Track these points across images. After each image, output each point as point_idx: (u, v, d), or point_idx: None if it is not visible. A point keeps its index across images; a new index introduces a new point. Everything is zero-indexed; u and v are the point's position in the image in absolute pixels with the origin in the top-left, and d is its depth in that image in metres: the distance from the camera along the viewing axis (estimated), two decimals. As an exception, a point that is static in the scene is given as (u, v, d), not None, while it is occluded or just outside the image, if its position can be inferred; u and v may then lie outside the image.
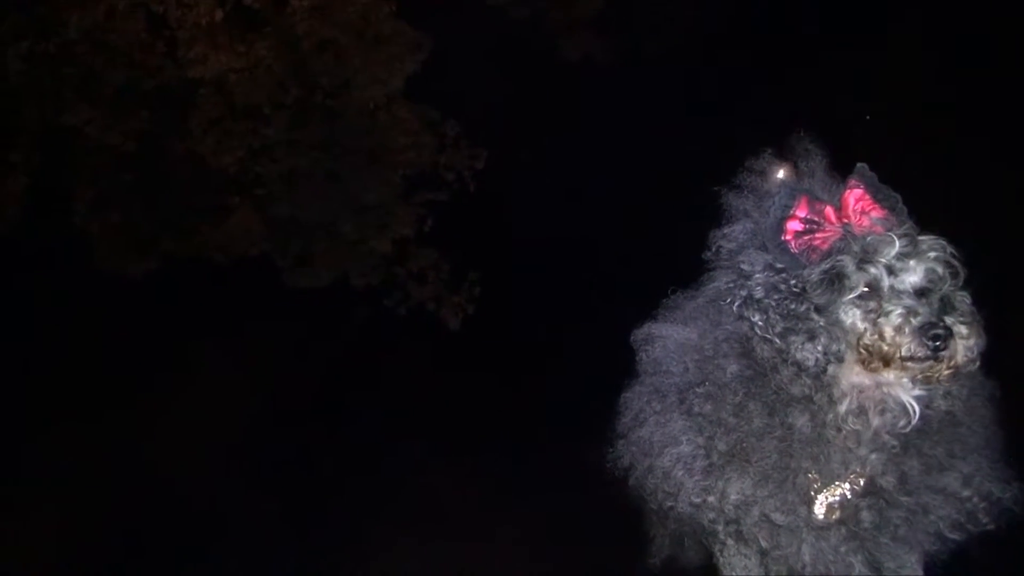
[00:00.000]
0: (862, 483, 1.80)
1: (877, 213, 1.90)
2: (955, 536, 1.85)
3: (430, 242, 8.40)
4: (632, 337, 2.14)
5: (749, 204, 2.06)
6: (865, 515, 1.79)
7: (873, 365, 1.74)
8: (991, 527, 1.85)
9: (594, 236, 8.62)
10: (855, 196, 1.91)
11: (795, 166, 2.05)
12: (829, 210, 1.89)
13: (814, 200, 1.90)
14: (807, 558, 1.81)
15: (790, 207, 1.89)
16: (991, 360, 1.89)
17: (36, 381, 7.24)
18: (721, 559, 1.96)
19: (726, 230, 2.08)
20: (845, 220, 1.88)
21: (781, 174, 2.07)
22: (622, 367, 2.19)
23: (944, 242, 1.84)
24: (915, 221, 1.94)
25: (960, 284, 1.84)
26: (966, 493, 1.83)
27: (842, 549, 1.81)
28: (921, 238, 1.81)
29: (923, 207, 1.95)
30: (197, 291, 8.32)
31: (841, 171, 2.02)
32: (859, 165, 1.97)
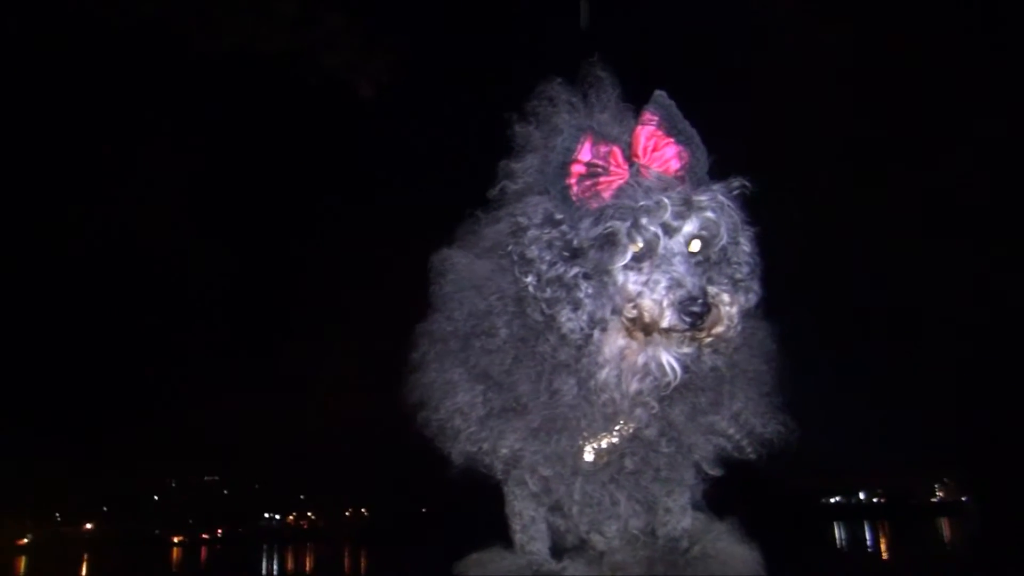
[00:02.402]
0: (630, 429, 1.87)
1: (670, 149, 1.78)
2: (717, 471, 1.97)
3: (339, 2, 7.69)
4: (430, 262, 2.08)
5: (537, 137, 1.91)
6: (628, 461, 1.88)
7: (636, 333, 1.73)
8: (753, 457, 1.96)
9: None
10: (647, 133, 1.78)
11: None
12: (616, 151, 1.77)
13: (600, 141, 1.76)
14: (577, 497, 1.93)
15: (573, 151, 1.76)
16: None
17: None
18: (504, 489, 2.08)
19: (514, 165, 1.95)
20: (635, 158, 1.77)
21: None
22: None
23: (723, 196, 1.75)
24: (711, 154, 1.83)
25: (739, 234, 1.79)
26: (732, 431, 1.93)
27: (609, 487, 1.92)
28: (698, 197, 1.72)
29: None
30: (91, 60, 7.74)
31: (638, 100, 1.85)
32: (656, 93, 1.81)
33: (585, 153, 1.75)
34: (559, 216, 1.76)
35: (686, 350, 1.76)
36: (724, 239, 1.75)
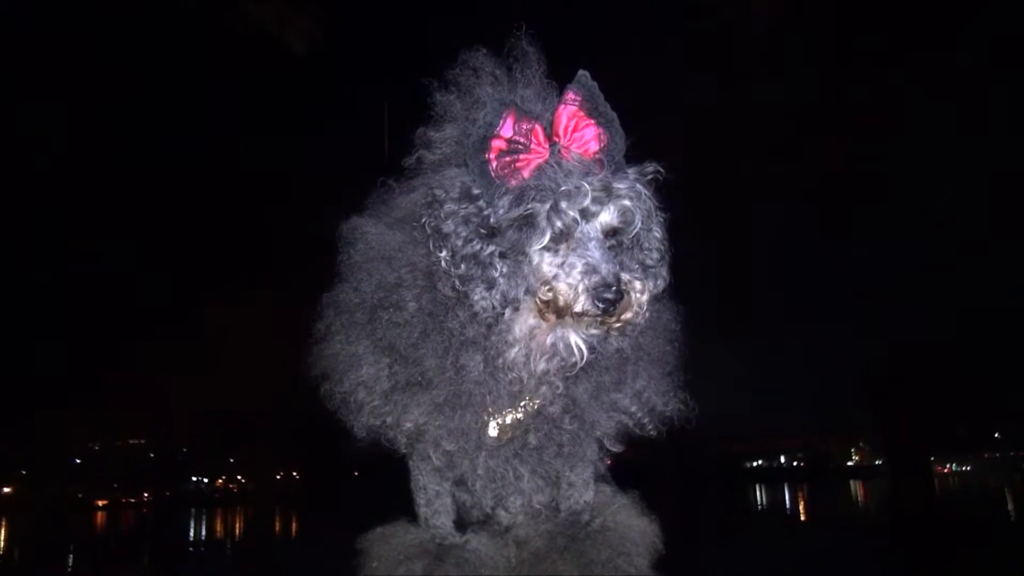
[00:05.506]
0: (535, 405, 1.88)
1: (590, 131, 1.78)
2: (618, 448, 2.01)
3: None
4: (338, 231, 2.04)
5: (458, 108, 1.89)
6: (532, 437, 1.90)
7: (548, 315, 1.74)
8: (654, 434, 2.00)
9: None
10: (568, 114, 1.78)
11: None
12: (537, 129, 1.76)
13: (522, 117, 1.76)
14: (480, 472, 1.94)
15: (494, 125, 1.75)
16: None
17: None
18: (409, 463, 2.08)
19: (432, 134, 1.92)
20: (555, 138, 1.76)
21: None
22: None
23: (640, 184, 1.77)
24: (631, 135, 1.83)
25: (653, 222, 1.82)
26: (634, 408, 1.97)
27: (513, 462, 1.94)
28: (618, 184, 1.73)
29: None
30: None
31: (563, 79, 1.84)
32: (580, 72, 1.82)
33: (507, 129, 1.74)
34: (477, 191, 1.75)
35: (594, 332, 1.78)
36: (638, 226, 1.78)
